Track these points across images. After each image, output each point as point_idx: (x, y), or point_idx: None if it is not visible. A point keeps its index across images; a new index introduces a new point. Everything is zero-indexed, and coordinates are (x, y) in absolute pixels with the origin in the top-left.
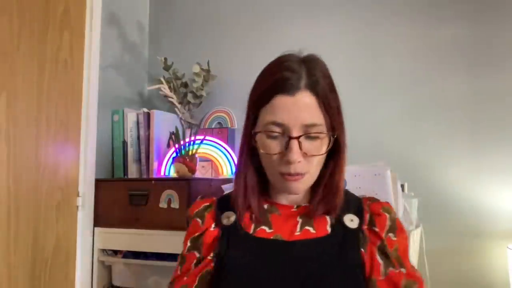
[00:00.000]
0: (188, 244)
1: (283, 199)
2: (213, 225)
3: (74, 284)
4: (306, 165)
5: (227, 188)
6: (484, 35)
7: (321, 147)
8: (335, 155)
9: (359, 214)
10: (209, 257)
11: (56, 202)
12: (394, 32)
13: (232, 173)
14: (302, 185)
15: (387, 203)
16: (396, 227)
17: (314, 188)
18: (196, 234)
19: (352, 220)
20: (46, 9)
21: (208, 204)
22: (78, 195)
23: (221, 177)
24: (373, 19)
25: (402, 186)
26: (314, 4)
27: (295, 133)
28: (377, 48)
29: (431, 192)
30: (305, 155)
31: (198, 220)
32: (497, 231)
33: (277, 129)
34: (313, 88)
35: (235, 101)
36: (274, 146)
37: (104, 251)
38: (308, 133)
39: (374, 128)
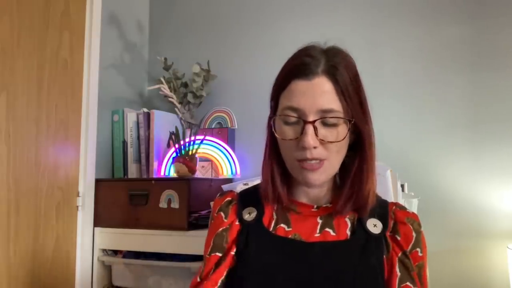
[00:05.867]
0: (212, 244)
1: (304, 198)
2: (236, 221)
3: (74, 284)
4: (324, 151)
5: (227, 188)
6: (485, 35)
7: (339, 134)
8: (360, 151)
9: (383, 219)
10: (232, 252)
11: (56, 202)
12: (394, 32)
13: (232, 173)
14: (320, 176)
15: (414, 213)
16: (421, 242)
17: (338, 188)
18: (220, 229)
19: (375, 226)
20: (46, 9)
21: (230, 198)
22: (78, 195)
23: (221, 177)
24: (374, 19)
25: (402, 186)
26: (314, 4)
27: (310, 118)
28: (378, 48)
29: (431, 192)
30: (322, 141)
31: (222, 214)
32: (497, 231)
33: (293, 114)
34: (331, 74)
35: (235, 101)
36: (290, 132)
37: (104, 251)
38: (324, 118)
39: (374, 128)
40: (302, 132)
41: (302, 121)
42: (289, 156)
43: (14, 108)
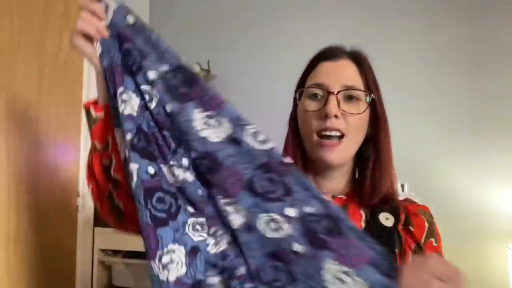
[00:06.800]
0: None
1: (319, 187)
2: None
3: (74, 284)
4: (344, 124)
5: None
6: (485, 36)
7: (360, 108)
8: (376, 137)
9: (395, 213)
10: None
11: (56, 202)
12: (395, 32)
13: None
14: (339, 154)
15: (424, 206)
16: (435, 232)
17: (353, 180)
18: None
19: (387, 219)
20: (46, 9)
21: None
22: (78, 195)
23: None
24: (374, 19)
25: (402, 186)
26: (314, 4)
27: (334, 90)
28: (377, 48)
29: (431, 192)
30: (343, 112)
31: None
32: (497, 231)
33: (318, 89)
34: (355, 58)
35: (235, 101)
36: (313, 105)
37: (104, 251)
38: (347, 90)
39: None
40: (325, 103)
41: (326, 93)
42: (309, 131)
43: (14, 108)
